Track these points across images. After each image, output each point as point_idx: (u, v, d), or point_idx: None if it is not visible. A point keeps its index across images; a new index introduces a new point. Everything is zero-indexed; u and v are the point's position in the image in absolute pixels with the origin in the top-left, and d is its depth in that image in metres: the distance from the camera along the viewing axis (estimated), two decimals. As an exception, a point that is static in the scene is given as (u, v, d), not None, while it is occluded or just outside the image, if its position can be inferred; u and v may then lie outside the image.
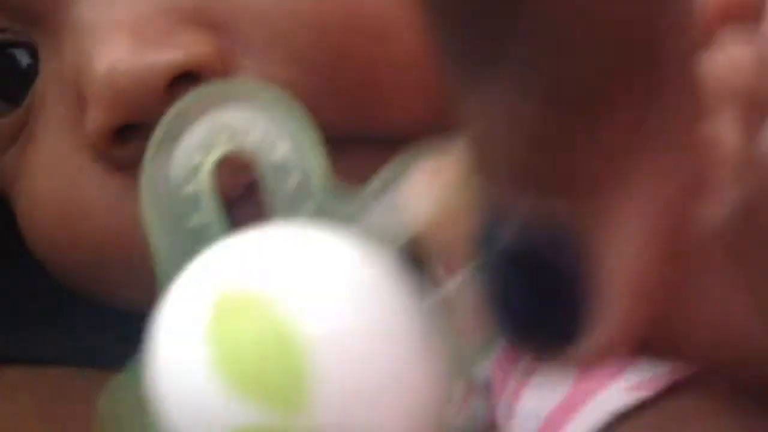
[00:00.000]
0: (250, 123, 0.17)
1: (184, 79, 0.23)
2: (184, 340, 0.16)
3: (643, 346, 0.13)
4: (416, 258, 0.17)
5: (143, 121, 0.23)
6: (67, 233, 0.26)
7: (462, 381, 0.17)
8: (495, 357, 0.26)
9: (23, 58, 0.26)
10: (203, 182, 0.17)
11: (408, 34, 0.25)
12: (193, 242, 0.17)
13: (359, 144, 0.24)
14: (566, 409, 0.23)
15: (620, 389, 0.22)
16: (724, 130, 0.21)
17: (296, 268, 0.16)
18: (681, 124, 0.11)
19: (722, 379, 0.14)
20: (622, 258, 0.11)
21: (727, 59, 0.22)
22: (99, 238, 0.25)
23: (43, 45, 0.25)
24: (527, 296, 0.11)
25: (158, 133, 0.17)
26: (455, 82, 0.11)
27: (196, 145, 0.17)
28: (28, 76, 0.26)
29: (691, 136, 0.12)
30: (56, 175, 0.25)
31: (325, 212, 0.18)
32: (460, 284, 0.16)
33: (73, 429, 0.25)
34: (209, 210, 0.17)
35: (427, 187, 0.18)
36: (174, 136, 0.17)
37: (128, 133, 0.23)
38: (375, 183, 0.18)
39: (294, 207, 0.18)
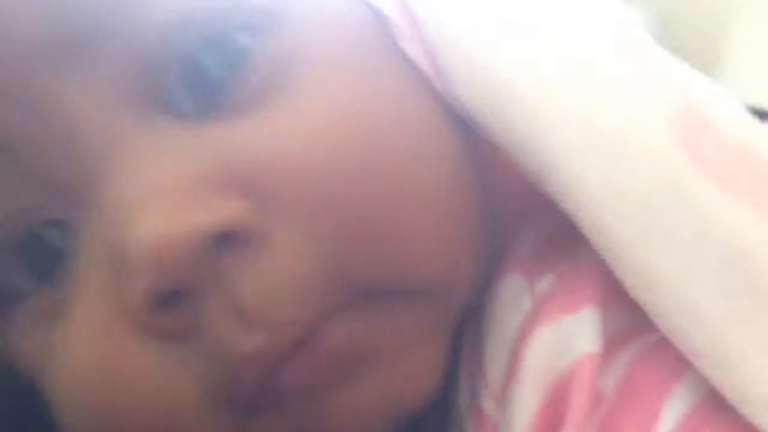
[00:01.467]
0: None
1: (221, 242, 0.23)
2: None
3: None
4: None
5: (183, 285, 0.23)
6: (106, 403, 0.25)
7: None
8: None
9: (54, 238, 0.26)
10: None
11: (427, 187, 0.26)
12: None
13: (389, 296, 0.25)
14: None
15: None
16: None
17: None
18: None
19: None
20: None
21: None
22: (139, 408, 0.24)
23: (78, 220, 0.25)
24: None
25: None
26: None
27: None
28: (60, 255, 0.26)
29: None
30: (95, 347, 0.25)
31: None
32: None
33: None
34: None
35: None
36: None
37: (168, 301, 0.23)
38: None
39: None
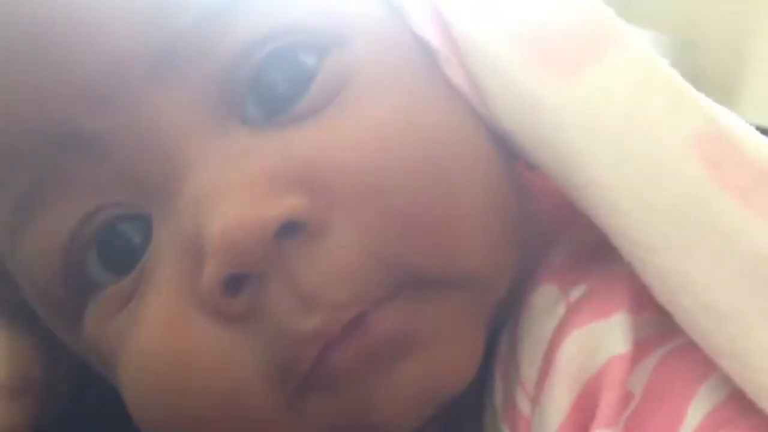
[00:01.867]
0: None
1: (286, 232, 0.26)
2: None
3: None
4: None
5: (252, 269, 0.26)
6: (175, 381, 0.27)
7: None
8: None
9: (129, 233, 0.28)
10: None
11: (474, 188, 0.28)
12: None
13: (433, 286, 0.27)
14: None
15: None
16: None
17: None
18: None
19: None
20: None
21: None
22: (204, 385, 0.27)
23: (156, 214, 0.28)
24: None
25: None
26: None
27: None
28: (133, 249, 0.28)
29: None
30: (167, 329, 0.27)
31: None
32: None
33: None
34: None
35: None
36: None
37: (236, 286, 0.26)
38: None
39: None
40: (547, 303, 0.30)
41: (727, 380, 0.26)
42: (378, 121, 0.27)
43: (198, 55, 0.27)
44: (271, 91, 0.28)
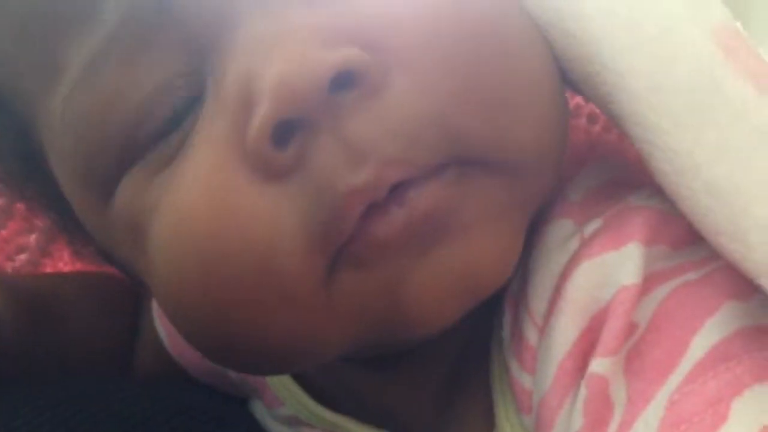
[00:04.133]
0: None
1: (342, 83, 0.25)
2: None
3: None
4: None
5: (304, 115, 0.25)
6: (212, 237, 0.26)
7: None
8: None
9: (179, 102, 0.28)
10: None
11: (535, 68, 0.28)
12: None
13: (482, 167, 0.27)
14: None
15: None
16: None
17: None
18: None
19: None
20: None
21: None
22: (242, 242, 0.26)
23: (209, 73, 0.27)
24: None
25: None
26: None
27: None
28: (180, 115, 0.28)
29: None
30: (208, 184, 0.26)
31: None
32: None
33: None
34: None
35: None
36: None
37: (287, 139, 0.25)
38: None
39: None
40: (561, 236, 0.30)
41: (734, 316, 0.26)
42: None
43: None
44: None
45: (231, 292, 0.26)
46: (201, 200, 0.26)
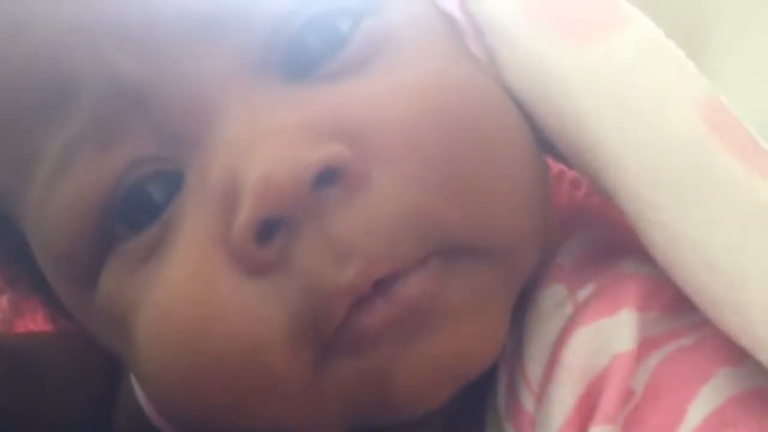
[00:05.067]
0: None
1: (324, 180, 0.25)
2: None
3: None
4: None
5: (289, 215, 0.25)
6: (196, 334, 0.26)
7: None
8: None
9: (156, 192, 0.28)
10: None
11: (514, 156, 0.29)
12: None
13: (466, 255, 0.27)
14: None
15: None
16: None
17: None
18: None
19: None
20: None
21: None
22: (227, 339, 0.26)
23: (189, 164, 0.28)
24: None
25: None
26: None
27: None
28: (157, 207, 0.28)
29: None
30: (194, 281, 0.26)
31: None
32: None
33: None
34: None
35: None
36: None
37: (271, 235, 0.26)
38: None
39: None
40: (554, 302, 0.31)
41: (728, 382, 0.27)
42: (415, 78, 0.28)
43: (241, 20, 0.28)
44: (306, 54, 0.28)
45: (219, 386, 0.27)
46: (185, 297, 0.27)
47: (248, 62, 0.28)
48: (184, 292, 0.26)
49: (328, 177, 0.26)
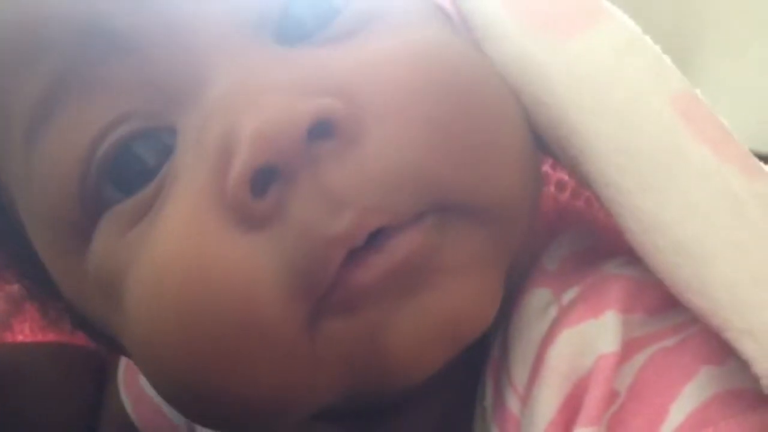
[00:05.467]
0: None
1: (319, 132, 0.25)
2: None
3: None
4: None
5: (284, 164, 0.25)
6: (190, 290, 0.25)
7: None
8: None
9: (146, 153, 0.28)
10: None
11: (511, 123, 0.29)
12: None
13: (460, 214, 0.27)
14: None
15: None
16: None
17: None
18: None
19: None
20: None
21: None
22: (221, 293, 0.25)
23: (181, 121, 0.27)
24: None
25: None
26: None
27: None
28: (150, 169, 0.28)
29: None
30: (187, 235, 0.26)
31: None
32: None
33: None
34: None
35: None
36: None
37: (265, 187, 0.25)
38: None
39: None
40: (539, 305, 0.31)
41: (711, 381, 0.27)
42: (409, 41, 0.28)
43: None
44: (300, 25, 0.28)
45: (211, 344, 0.26)
46: (179, 252, 0.26)
47: (242, 22, 0.28)
48: (178, 248, 0.26)
49: (322, 131, 0.25)
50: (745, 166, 0.28)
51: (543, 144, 0.31)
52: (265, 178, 0.25)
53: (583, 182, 0.30)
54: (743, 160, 0.28)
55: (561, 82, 0.29)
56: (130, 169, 0.28)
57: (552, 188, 0.37)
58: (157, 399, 0.42)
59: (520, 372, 0.30)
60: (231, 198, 0.25)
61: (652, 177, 0.28)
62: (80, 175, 0.28)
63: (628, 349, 0.28)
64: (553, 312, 0.30)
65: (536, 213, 0.31)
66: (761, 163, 0.29)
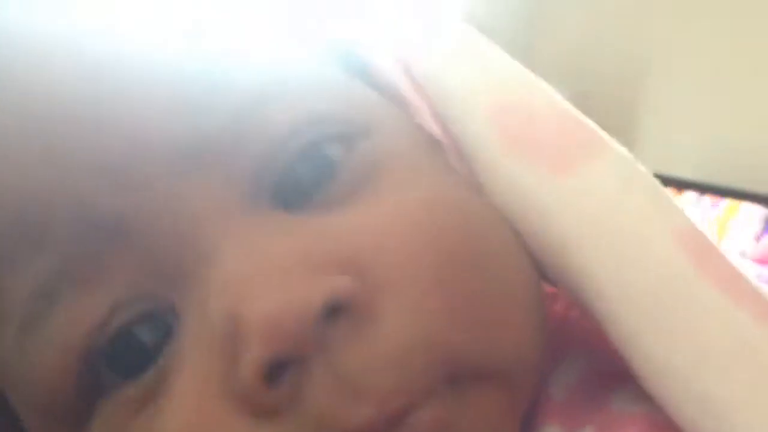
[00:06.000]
0: None
1: (330, 315, 0.24)
2: None
3: None
4: None
5: (295, 355, 0.24)
6: None
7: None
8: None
9: (145, 335, 0.26)
10: None
11: (519, 273, 0.28)
12: None
13: (472, 381, 0.26)
14: None
15: None
16: None
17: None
18: None
19: None
20: None
21: None
22: None
23: (181, 306, 0.26)
24: None
25: None
26: None
27: None
28: (149, 352, 0.26)
29: None
30: (198, 427, 0.25)
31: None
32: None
33: None
34: None
35: None
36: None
37: (278, 375, 0.24)
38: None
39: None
40: None
41: None
42: (411, 203, 0.27)
43: (231, 149, 0.26)
44: (298, 185, 0.27)
45: None
46: None
47: (238, 193, 0.26)
48: None
49: (333, 312, 0.24)
50: (757, 309, 0.27)
51: (550, 278, 0.30)
52: (278, 366, 0.24)
53: (595, 321, 0.28)
54: (755, 302, 0.27)
55: (560, 222, 0.28)
56: (129, 352, 0.26)
57: (560, 306, 0.35)
58: None
59: None
60: (243, 391, 0.24)
61: (666, 323, 0.26)
62: (81, 367, 0.26)
63: None
64: None
65: (543, 359, 0.30)
66: None
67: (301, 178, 0.27)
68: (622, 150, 0.30)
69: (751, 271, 0.29)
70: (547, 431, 0.30)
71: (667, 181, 1.95)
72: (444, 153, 0.30)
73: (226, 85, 0.26)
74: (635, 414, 0.28)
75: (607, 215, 0.28)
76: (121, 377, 0.26)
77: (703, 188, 1.85)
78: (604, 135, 0.30)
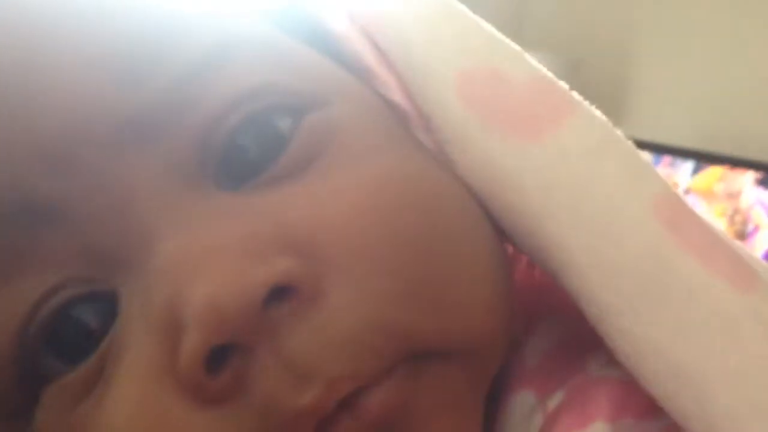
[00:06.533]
0: None
1: (274, 297, 0.23)
2: None
3: None
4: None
5: (239, 340, 0.23)
6: None
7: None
8: None
9: (88, 317, 0.25)
10: None
11: (474, 249, 0.27)
12: None
13: (429, 359, 0.25)
14: None
15: None
16: None
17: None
18: None
19: None
20: None
21: None
22: None
23: (123, 289, 0.25)
24: None
25: None
26: None
27: None
28: (93, 334, 0.25)
29: None
30: (142, 417, 0.24)
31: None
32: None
33: None
34: None
35: None
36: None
37: (221, 361, 0.23)
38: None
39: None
40: (524, 411, 0.29)
41: None
42: (364, 178, 0.26)
43: (169, 122, 0.25)
44: (243, 158, 0.26)
45: None
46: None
47: (179, 171, 0.25)
48: (131, 430, 0.24)
49: (279, 294, 0.23)
50: (736, 277, 0.26)
51: (524, 253, 0.29)
52: (221, 351, 0.23)
53: (572, 297, 0.28)
54: (734, 269, 0.26)
55: (533, 192, 0.27)
56: (71, 335, 0.25)
57: (523, 266, 0.35)
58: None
59: None
60: (184, 377, 0.23)
61: (638, 294, 0.26)
62: (16, 349, 0.25)
63: None
64: (538, 419, 0.28)
65: (511, 332, 0.29)
66: (752, 268, 0.27)
67: (248, 153, 0.26)
68: (596, 113, 0.29)
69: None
70: (519, 398, 0.29)
71: (661, 148, 1.95)
72: (409, 126, 0.29)
73: (163, 52, 0.25)
74: (608, 378, 0.28)
75: (581, 185, 0.27)
76: (64, 363, 0.25)
77: (698, 156, 1.85)
78: (577, 97, 0.29)
